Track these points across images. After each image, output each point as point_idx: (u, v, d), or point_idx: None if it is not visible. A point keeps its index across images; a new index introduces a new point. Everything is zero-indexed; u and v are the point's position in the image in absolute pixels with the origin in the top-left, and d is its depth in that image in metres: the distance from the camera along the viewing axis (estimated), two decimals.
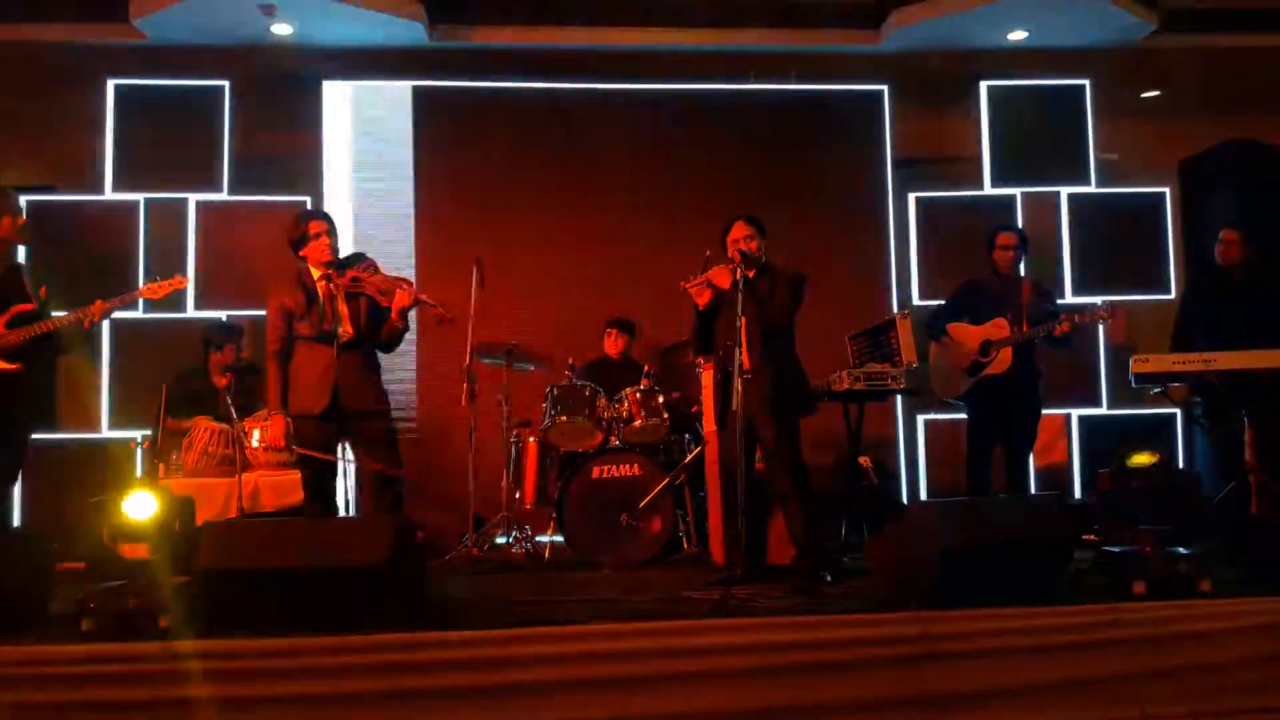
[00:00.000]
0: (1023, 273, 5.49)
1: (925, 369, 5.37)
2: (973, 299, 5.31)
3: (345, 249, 4.88)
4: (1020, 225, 6.31)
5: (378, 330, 4.32)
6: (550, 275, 6.66)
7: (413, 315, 4.66)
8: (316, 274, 4.27)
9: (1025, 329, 5.05)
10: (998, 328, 5.11)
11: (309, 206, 6.40)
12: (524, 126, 6.81)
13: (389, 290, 4.20)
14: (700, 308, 4.33)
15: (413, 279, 5.93)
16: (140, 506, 3.55)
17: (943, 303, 5.62)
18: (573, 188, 6.80)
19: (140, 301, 5.22)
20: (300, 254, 4.30)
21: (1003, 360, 5.07)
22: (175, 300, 5.06)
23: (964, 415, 5.38)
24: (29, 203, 6.01)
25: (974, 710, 3.16)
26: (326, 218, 4.36)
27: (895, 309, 6.64)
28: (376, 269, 4.29)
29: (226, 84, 6.58)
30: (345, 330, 4.24)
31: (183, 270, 6.25)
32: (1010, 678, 3.23)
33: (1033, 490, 5.79)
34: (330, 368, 4.17)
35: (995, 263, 5.33)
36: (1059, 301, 5.65)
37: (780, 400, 4.22)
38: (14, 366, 4.29)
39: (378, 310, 4.30)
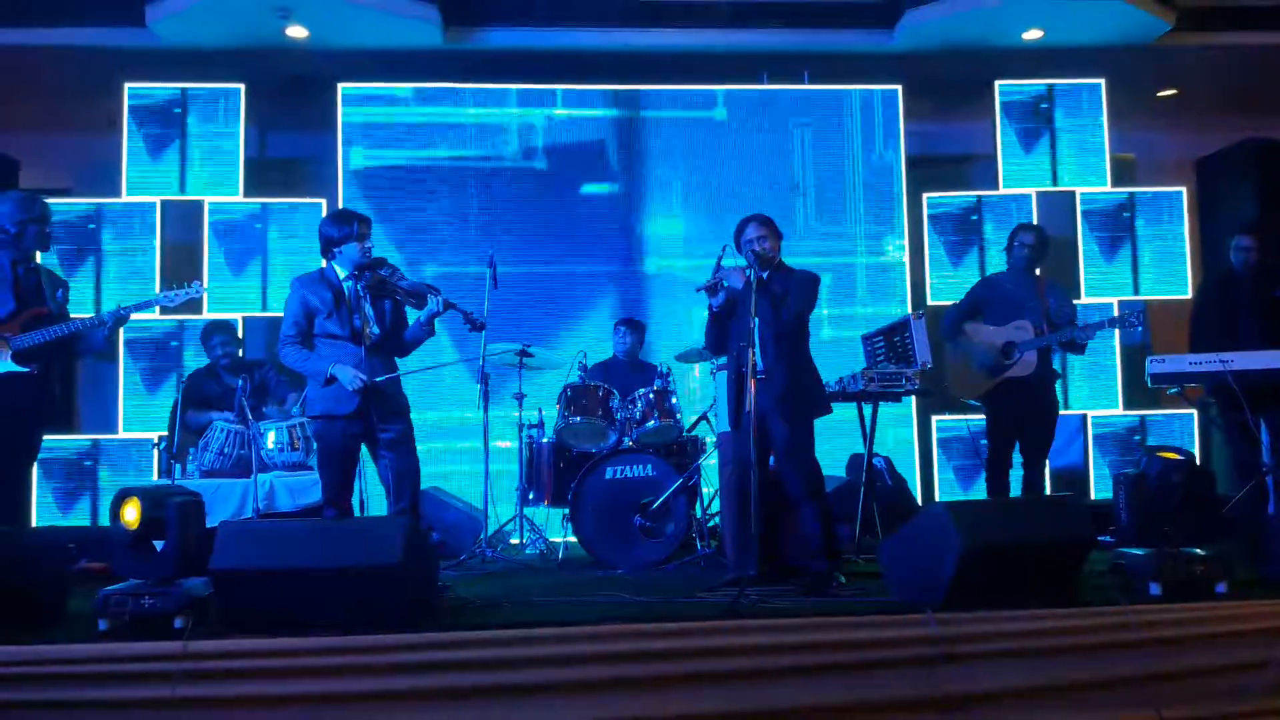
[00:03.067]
0: (1037, 273, 5.45)
1: (941, 369, 5.34)
2: (990, 298, 5.27)
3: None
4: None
5: (399, 333, 4.33)
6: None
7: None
8: (343, 274, 4.23)
9: (1049, 331, 5.01)
10: (1021, 330, 5.06)
11: (329, 209, 6.43)
12: None
13: (419, 295, 4.20)
14: (714, 309, 4.32)
15: None
16: None
17: (958, 302, 5.59)
18: None
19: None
20: (335, 250, 4.20)
21: (1026, 363, 5.03)
22: (192, 302, 5.06)
23: (978, 416, 5.35)
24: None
25: (989, 712, 3.16)
26: (369, 220, 4.28)
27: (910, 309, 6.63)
28: (402, 274, 4.27)
29: (242, 87, 6.63)
30: (372, 331, 4.24)
31: (199, 273, 6.31)
32: (1026, 679, 3.22)
33: (1049, 491, 5.76)
34: (359, 368, 4.17)
35: (1016, 261, 5.28)
36: (1074, 303, 5.60)
37: (793, 401, 4.21)
38: (26, 368, 4.34)
39: (399, 313, 4.32)
